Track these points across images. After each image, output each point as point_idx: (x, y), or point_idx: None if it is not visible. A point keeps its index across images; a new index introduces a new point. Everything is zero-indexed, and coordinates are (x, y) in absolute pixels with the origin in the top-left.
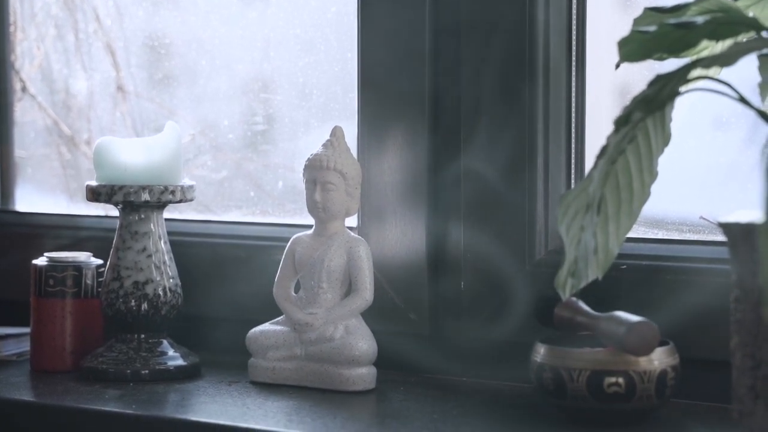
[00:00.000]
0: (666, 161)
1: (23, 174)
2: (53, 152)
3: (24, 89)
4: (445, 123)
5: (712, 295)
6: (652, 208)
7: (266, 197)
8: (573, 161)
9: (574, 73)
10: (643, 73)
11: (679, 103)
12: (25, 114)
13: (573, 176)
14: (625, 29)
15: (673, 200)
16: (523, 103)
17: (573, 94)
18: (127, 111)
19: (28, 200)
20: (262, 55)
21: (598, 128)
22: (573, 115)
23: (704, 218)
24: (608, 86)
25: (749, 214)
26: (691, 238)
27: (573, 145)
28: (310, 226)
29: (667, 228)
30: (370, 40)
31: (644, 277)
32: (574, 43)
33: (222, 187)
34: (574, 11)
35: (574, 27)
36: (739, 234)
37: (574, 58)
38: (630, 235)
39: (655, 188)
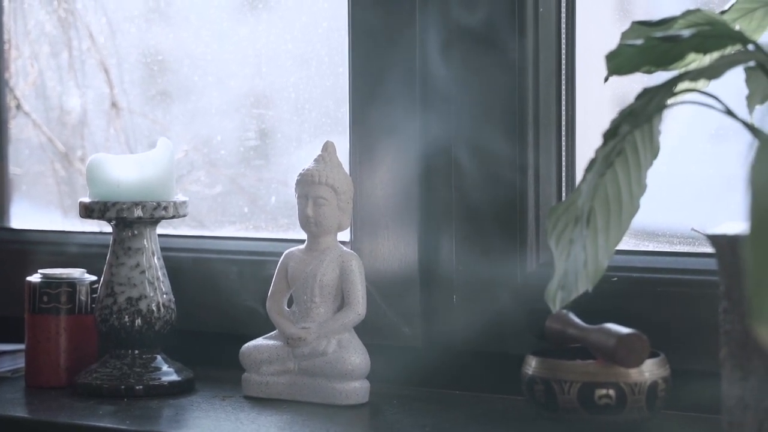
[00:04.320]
0: (660, 173)
1: (18, 191)
2: (48, 169)
3: (18, 107)
4: (437, 137)
5: (702, 307)
6: (644, 220)
7: (260, 212)
8: (564, 174)
9: (564, 85)
10: (633, 85)
11: (675, 115)
12: (19, 131)
13: (564, 189)
14: (615, 41)
15: (665, 212)
16: (513, 115)
17: (563, 106)
18: (121, 127)
19: (22, 217)
20: (255, 71)
21: (588, 141)
22: (563, 127)
23: (696, 230)
24: (599, 98)
25: (736, 225)
26: (682, 250)
27: (564, 158)
28: (303, 241)
29: (658, 240)
30: (361, 54)
31: (635, 288)
32: (563, 55)
33: (216, 202)
34: (563, 23)
35: (563, 39)
36: (726, 245)
37: (564, 70)
38: (621, 247)
39: (646, 200)
